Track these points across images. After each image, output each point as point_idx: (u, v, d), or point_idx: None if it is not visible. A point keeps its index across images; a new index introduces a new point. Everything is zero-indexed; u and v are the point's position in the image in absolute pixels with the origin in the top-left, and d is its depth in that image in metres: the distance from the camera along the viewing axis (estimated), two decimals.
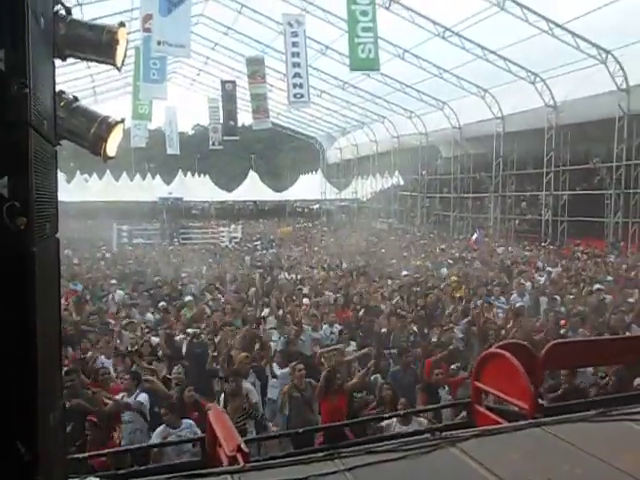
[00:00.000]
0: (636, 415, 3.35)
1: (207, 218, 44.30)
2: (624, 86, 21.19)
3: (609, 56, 20.87)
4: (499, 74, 24.41)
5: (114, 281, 15.18)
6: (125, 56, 2.91)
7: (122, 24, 2.85)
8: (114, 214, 31.74)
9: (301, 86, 20.68)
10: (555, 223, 25.69)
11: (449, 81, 27.10)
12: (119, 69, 2.95)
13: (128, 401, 6.66)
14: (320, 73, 30.62)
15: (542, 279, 15.02)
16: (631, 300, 11.73)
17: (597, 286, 12.91)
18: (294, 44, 20.74)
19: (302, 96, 20.95)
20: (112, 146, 2.85)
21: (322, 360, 8.04)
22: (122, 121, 2.90)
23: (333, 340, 9.52)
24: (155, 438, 6.02)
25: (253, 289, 14.02)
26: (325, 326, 10.15)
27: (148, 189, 43.80)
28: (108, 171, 43.03)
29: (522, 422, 3.38)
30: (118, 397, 6.72)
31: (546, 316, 10.67)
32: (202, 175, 51.53)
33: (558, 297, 12.32)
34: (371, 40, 17.52)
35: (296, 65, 20.76)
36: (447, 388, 7.45)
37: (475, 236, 26.89)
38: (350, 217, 45.17)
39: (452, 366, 7.99)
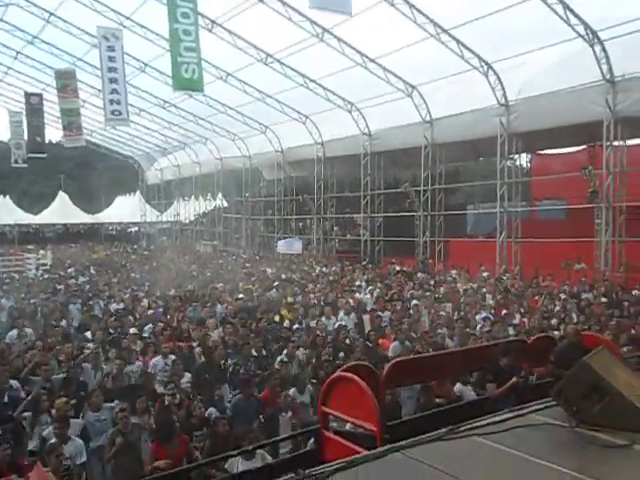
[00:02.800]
0: (482, 429, 3.49)
1: (8, 243, 39.75)
2: (428, 118, 23.45)
3: (414, 91, 22.97)
4: (319, 101, 25.52)
5: None
6: None
7: None
8: None
9: (119, 102, 19.58)
10: (372, 243, 27.38)
11: (272, 106, 27.70)
12: None
13: None
14: (139, 91, 29.37)
15: (365, 297, 15.75)
16: (443, 314, 12.77)
17: (414, 302, 13.82)
18: (110, 59, 19.58)
19: (120, 113, 19.85)
20: None
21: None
22: None
23: (166, 372, 8.90)
24: None
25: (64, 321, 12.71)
26: (157, 358, 9.47)
27: None
28: None
29: (382, 449, 3.33)
30: None
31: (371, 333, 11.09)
32: (1, 196, 46.30)
33: (382, 314, 12.96)
34: (195, 60, 17.16)
35: (113, 81, 19.62)
36: (289, 414, 7.31)
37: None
38: (172, 240, 43.71)
39: (290, 391, 7.88)
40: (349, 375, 4.84)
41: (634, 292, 15.43)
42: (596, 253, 18.63)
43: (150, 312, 13.89)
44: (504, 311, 12.50)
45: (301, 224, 34.41)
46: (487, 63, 19.87)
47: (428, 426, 3.70)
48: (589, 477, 2.82)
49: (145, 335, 11.47)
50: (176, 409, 7.07)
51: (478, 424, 3.56)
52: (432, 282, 18.54)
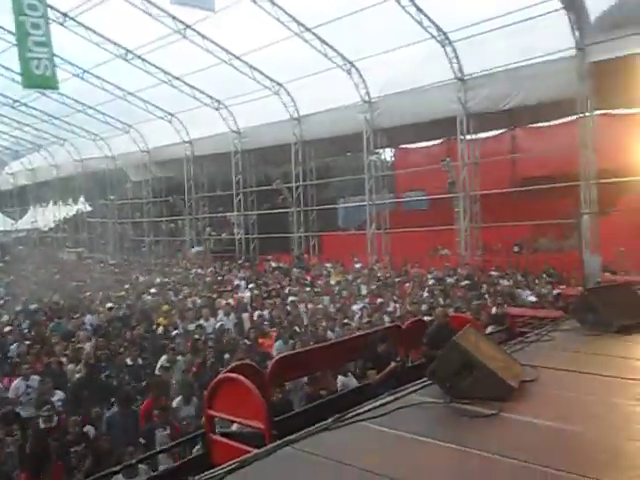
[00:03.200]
0: (366, 414, 3.63)
1: None
2: (296, 115, 23.78)
3: (281, 88, 23.17)
4: (185, 99, 24.89)
5: None
6: None
7: None
8: None
9: None
10: (247, 241, 27.28)
11: (134, 104, 26.52)
12: None
13: None
14: None
15: (244, 296, 15.66)
16: (321, 307, 13.06)
17: (291, 298, 13.99)
18: None
19: None
20: None
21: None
22: None
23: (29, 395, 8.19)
24: None
25: None
26: (17, 381, 8.69)
27: None
28: None
29: (271, 445, 3.34)
30: None
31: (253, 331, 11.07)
32: None
33: (261, 312, 12.98)
34: (46, 56, 16.00)
35: None
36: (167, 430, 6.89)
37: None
38: (31, 249, 40.46)
39: (174, 401, 7.62)
40: (234, 376, 4.81)
41: (491, 273, 16.83)
42: (457, 239, 20.03)
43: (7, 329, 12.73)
44: (379, 300, 13.03)
45: (172, 226, 33.41)
46: (350, 62, 20.55)
47: (315, 418, 3.78)
48: (464, 447, 3.04)
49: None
50: (51, 432, 6.54)
51: (362, 410, 3.69)
52: (308, 277, 18.88)
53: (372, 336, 6.08)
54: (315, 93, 21.36)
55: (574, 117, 17.35)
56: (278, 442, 3.34)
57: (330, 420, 3.58)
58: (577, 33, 15.80)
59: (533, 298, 11.38)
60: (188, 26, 19.98)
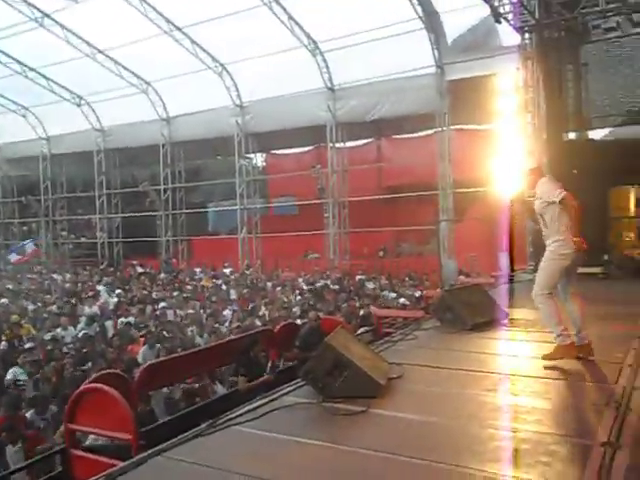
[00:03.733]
0: (239, 418, 3.62)
1: None
2: (165, 116, 23.08)
3: (149, 87, 22.37)
4: (43, 93, 23.14)
5: None
6: None
7: None
8: None
9: None
10: (111, 245, 25.93)
11: None
12: None
13: None
14: None
15: (107, 302, 14.86)
16: (191, 312, 12.75)
17: (162, 304, 13.54)
18: None
19: None
20: None
21: None
22: None
23: None
24: None
25: None
26: None
27: None
28: None
29: (140, 456, 3.21)
30: None
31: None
32: None
33: (124, 319, 12.35)
34: None
35: None
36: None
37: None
38: None
39: (27, 413, 7.03)
40: (98, 386, 4.58)
41: (357, 277, 17.49)
42: (326, 244, 20.57)
43: None
44: (251, 304, 12.99)
45: (25, 228, 30.80)
46: (221, 64, 20.35)
47: (186, 425, 3.70)
48: (337, 445, 3.14)
49: None
50: None
51: (235, 415, 3.68)
52: (176, 282, 18.36)
53: (244, 340, 6.06)
54: (186, 94, 20.89)
55: (433, 130, 18.58)
56: (148, 452, 3.22)
57: (203, 426, 3.52)
58: (436, 52, 16.96)
59: (402, 300, 11.96)
60: (46, 15, 18.64)
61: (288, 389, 4.11)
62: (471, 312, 5.61)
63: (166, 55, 19.40)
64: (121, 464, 3.15)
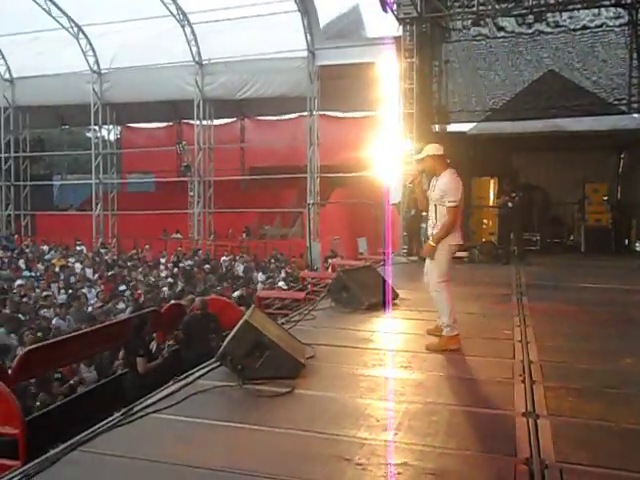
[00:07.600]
0: (156, 405, 3.40)
1: None
2: (8, 76, 20.73)
3: None
4: None
5: None
6: None
7: None
8: None
9: None
10: None
11: None
12: None
13: None
14: None
15: None
16: (48, 294, 11.71)
17: (19, 282, 12.37)
18: None
19: None
20: None
21: None
22: None
23: None
24: None
25: None
26: None
27: None
28: None
29: (54, 452, 2.86)
30: None
31: None
32: None
33: None
34: None
35: None
36: None
37: None
38: None
39: None
40: None
41: (223, 258, 17.21)
42: (190, 224, 19.94)
43: None
44: (114, 285, 12.23)
45: None
46: (77, 25, 18.70)
47: (74, 413, 3.40)
48: (266, 427, 3.06)
49: None
50: None
51: (151, 401, 3.43)
52: (23, 261, 16.71)
53: (132, 321, 5.66)
54: (36, 54, 18.87)
55: (302, 114, 18.75)
56: (61, 447, 2.89)
57: (118, 415, 3.25)
58: (309, 36, 17.05)
59: (282, 283, 11.79)
60: None
61: (202, 372, 3.94)
62: (366, 292, 5.76)
63: (13, 8, 17.36)
64: (34, 462, 2.77)
